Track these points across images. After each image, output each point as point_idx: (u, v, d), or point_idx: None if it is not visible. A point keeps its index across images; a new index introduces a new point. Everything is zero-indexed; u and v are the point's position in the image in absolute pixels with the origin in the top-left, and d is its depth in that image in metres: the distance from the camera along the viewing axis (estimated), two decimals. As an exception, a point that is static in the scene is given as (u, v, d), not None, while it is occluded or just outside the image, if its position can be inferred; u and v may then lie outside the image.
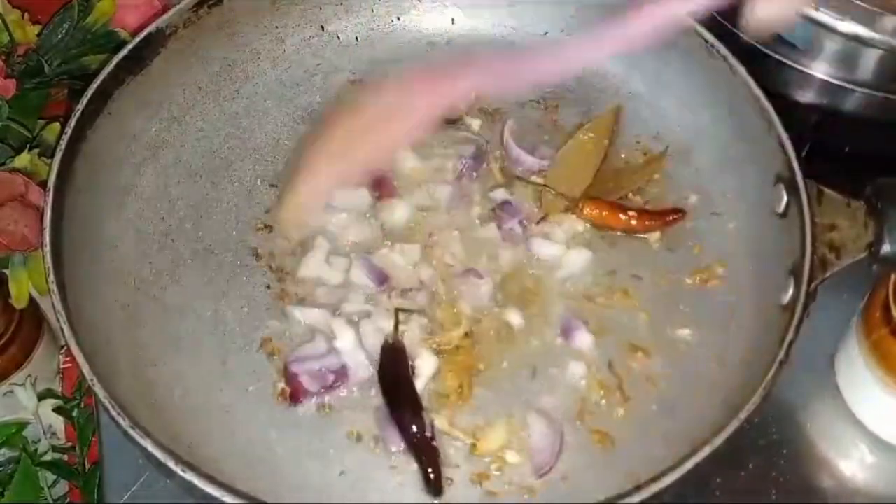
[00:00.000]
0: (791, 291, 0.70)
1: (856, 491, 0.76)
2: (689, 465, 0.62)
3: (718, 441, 0.63)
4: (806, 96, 0.85)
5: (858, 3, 0.77)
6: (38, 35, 0.99)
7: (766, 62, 0.84)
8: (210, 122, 0.88)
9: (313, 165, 0.67)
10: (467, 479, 0.70)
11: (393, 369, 0.73)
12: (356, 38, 0.93)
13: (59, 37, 0.98)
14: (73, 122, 0.77)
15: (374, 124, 0.66)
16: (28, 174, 0.91)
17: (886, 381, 0.74)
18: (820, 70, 0.83)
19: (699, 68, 0.83)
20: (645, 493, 0.61)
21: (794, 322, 0.67)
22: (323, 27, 0.92)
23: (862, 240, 0.71)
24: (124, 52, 0.81)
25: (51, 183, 0.74)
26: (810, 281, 0.69)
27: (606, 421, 0.73)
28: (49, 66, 0.97)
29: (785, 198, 0.74)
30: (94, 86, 0.79)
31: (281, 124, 0.88)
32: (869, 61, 0.81)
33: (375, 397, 0.73)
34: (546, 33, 0.92)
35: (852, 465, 0.78)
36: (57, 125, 0.96)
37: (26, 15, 1.00)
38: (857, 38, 0.79)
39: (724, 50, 0.80)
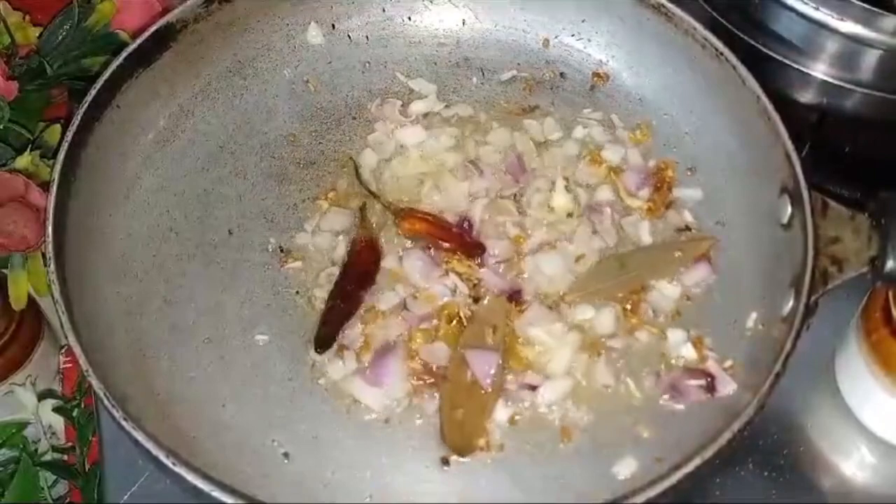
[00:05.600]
0: (791, 303, 0.70)
1: (856, 491, 0.77)
2: (678, 475, 0.62)
3: (709, 453, 0.62)
4: (806, 96, 0.85)
5: (858, 2, 0.77)
6: (39, 37, 0.99)
7: (766, 62, 0.84)
8: (218, 118, 0.88)
9: None
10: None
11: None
12: (366, 38, 0.93)
13: (60, 38, 0.98)
14: (81, 112, 0.77)
15: None
16: (29, 175, 0.91)
17: (887, 382, 0.74)
18: (820, 70, 0.83)
19: (707, 76, 0.82)
20: (645, 495, 0.61)
21: (793, 335, 0.67)
22: (334, 26, 0.92)
23: (864, 254, 0.70)
24: (135, 44, 0.81)
25: (56, 173, 0.74)
26: (810, 294, 0.68)
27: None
28: (50, 67, 0.97)
29: (789, 209, 0.74)
30: (104, 77, 0.79)
31: (289, 122, 0.88)
32: (869, 61, 0.81)
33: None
34: (557, 36, 0.92)
35: (852, 465, 0.78)
36: (58, 127, 0.96)
37: (27, 17, 1.00)
38: (857, 38, 0.79)
39: (734, 59, 0.79)
